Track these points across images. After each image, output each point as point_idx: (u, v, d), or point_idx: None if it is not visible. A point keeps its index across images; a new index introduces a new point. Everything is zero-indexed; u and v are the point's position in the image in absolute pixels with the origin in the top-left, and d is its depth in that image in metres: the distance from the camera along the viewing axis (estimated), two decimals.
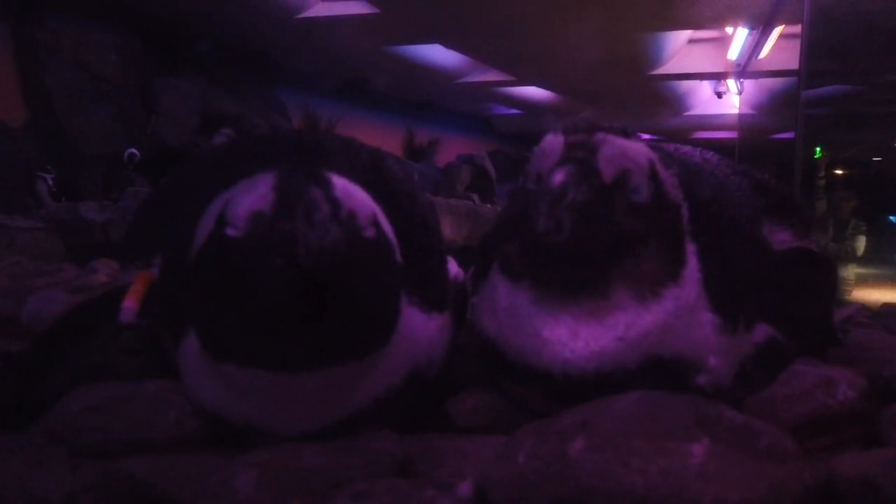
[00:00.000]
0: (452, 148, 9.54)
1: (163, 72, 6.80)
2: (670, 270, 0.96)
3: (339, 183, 0.82)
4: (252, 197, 0.78)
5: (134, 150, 5.89)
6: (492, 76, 9.14)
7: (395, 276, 0.89)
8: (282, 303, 0.76)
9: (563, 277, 0.94)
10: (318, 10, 6.87)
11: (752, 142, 9.83)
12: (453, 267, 1.29)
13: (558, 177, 0.89)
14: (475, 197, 7.72)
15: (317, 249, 0.72)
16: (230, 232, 0.78)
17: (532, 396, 1.03)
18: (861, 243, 7.67)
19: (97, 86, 6.14)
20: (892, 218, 9.34)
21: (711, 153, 1.33)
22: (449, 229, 7.11)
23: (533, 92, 10.16)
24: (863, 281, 7.41)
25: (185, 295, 0.88)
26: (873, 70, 6.91)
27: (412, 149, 9.18)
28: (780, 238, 1.25)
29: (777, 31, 7.26)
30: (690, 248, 1.00)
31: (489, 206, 7.20)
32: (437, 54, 8.33)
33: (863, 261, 7.60)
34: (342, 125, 8.13)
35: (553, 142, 0.96)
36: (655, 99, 10.14)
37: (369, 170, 1.03)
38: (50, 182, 5.57)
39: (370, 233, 0.83)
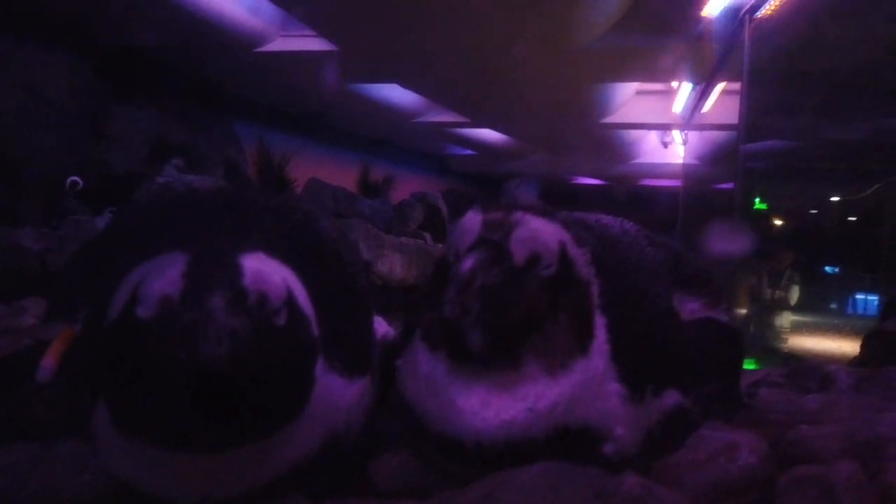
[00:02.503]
0: (407, 185, 9.61)
1: (114, 98, 6.70)
2: (579, 344, 1.02)
3: (251, 266, 0.85)
4: (162, 281, 0.81)
5: (76, 179, 5.75)
6: (448, 117, 9.29)
7: (308, 353, 0.92)
8: (184, 390, 0.78)
9: (476, 351, 0.99)
10: (278, 45, 6.90)
11: (695, 190, 10.20)
12: (382, 326, 1.32)
13: (467, 263, 0.94)
14: (427, 236, 7.77)
15: (217, 343, 0.75)
16: (140, 312, 0.80)
17: (449, 462, 1.06)
18: (795, 293, 8.00)
19: (44, 109, 6.00)
20: (827, 268, 9.75)
21: (631, 224, 1.41)
22: (399, 268, 7.12)
23: (488, 134, 10.36)
24: (799, 329, 7.70)
25: (96, 363, 0.89)
26: (809, 128, 7.27)
27: (367, 185, 9.21)
28: (691, 307, 1.33)
29: (719, 87, 7.61)
30: (600, 322, 1.06)
31: (441, 245, 7.25)
32: (395, 94, 8.44)
33: (800, 309, 7.91)
34: (298, 159, 8.12)
35: (472, 220, 1.02)
36: (605, 146, 10.46)
37: (297, 235, 1.06)
38: None
39: (281, 316, 0.85)
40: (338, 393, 1.00)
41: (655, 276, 1.25)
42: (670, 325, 1.23)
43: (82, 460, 0.97)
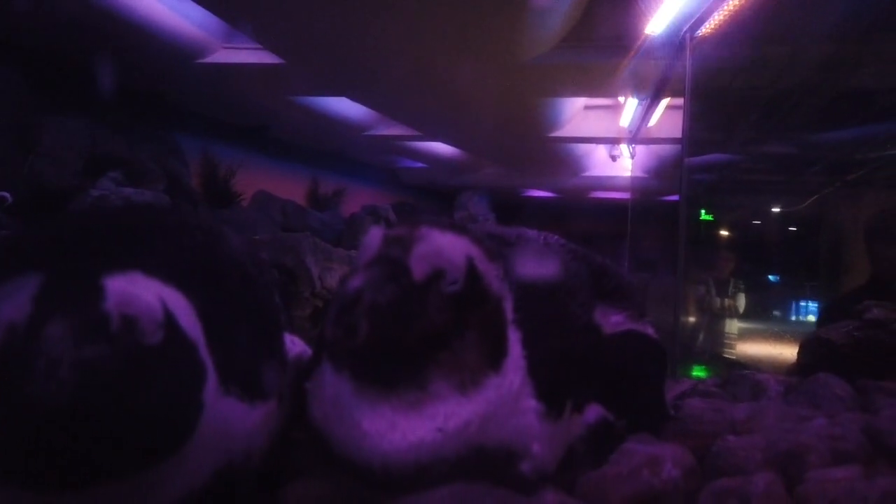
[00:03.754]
0: (358, 198, 9.54)
1: (48, 109, 6.44)
2: (491, 360, 0.99)
3: (118, 288, 0.79)
4: (10, 306, 0.74)
5: (5, 194, 5.50)
6: (398, 130, 9.26)
7: (191, 378, 0.86)
8: (32, 425, 0.72)
9: (379, 370, 0.95)
10: (221, 57, 6.78)
11: (643, 202, 10.41)
12: (298, 345, 1.27)
13: (355, 281, 0.90)
14: None
15: (49, 377, 0.69)
16: None
17: (358, 487, 1.02)
18: (742, 301, 8.21)
19: None
20: (770, 277, 10.04)
21: (556, 238, 1.39)
22: None
23: (438, 147, 10.37)
24: (745, 336, 7.91)
25: None
26: (750, 141, 7.49)
27: (316, 198, 9.11)
28: (614, 321, 1.32)
29: (664, 102, 7.79)
30: (515, 337, 1.04)
31: None
32: (344, 106, 8.37)
33: (745, 317, 8.12)
34: (244, 172, 7.97)
35: (373, 237, 0.98)
36: (555, 159, 10.58)
37: (193, 254, 1.00)
38: None
39: (153, 340, 0.80)
40: (235, 420, 0.94)
41: (576, 289, 1.24)
42: (591, 338, 1.21)
43: None
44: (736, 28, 4.88)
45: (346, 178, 10.20)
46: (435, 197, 12.42)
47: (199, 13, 6.07)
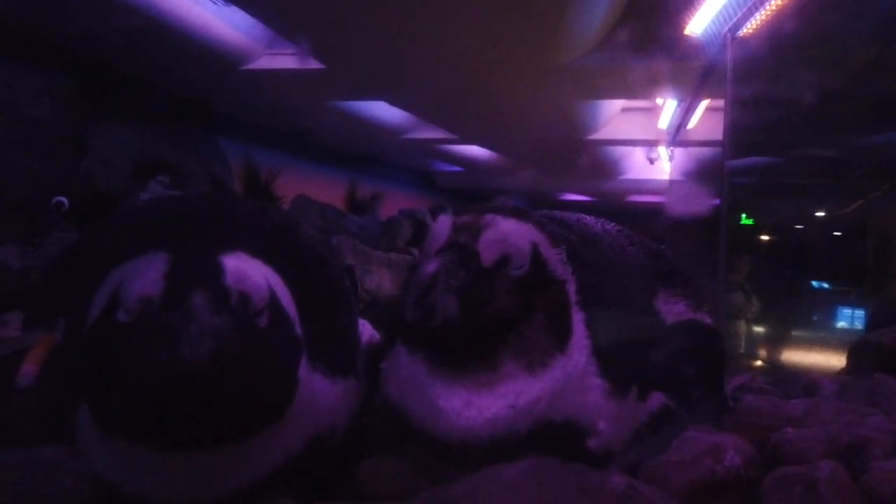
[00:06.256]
0: (395, 202, 9.58)
1: (98, 116, 6.65)
2: (557, 341, 1.02)
3: (233, 266, 0.85)
4: (143, 282, 0.81)
5: (62, 199, 5.69)
6: (435, 134, 9.30)
7: (291, 353, 0.92)
8: (165, 390, 0.78)
9: (452, 352, 0.99)
10: (263, 63, 6.92)
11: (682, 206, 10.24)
12: (367, 329, 1.32)
13: (430, 267, 0.95)
14: (416, 252, 7.76)
15: (199, 342, 0.75)
16: (121, 316, 0.80)
17: (434, 462, 1.06)
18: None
19: (27, 129, 5.95)
20: (814, 283, 9.78)
21: (612, 224, 1.42)
22: (388, 283, 7.10)
23: (475, 151, 10.39)
24: (789, 342, 7.71)
25: (78, 366, 0.89)
26: (792, 144, 7.34)
27: (354, 202, 9.18)
28: (676, 310, 1.34)
29: (703, 104, 7.69)
30: (578, 318, 1.07)
31: None
32: (382, 110, 8.47)
33: (787, 323, 7.94)
34: (284, 176, 8.10)
35: (443, 223, 1.03)
36: (592, 163, 10.51)
37: (279, 238, 1.06)
38: None
39: (263, 315, 0.85)
40: (322, 394, 0.99)
41: (636, 274, 1.26)
42: (651, 321, 1.24)
43: (65, 464, 0.96)
44: (778, 28, 4.81)
45: (383, 182, 10.26)
46: (471, 201, 12.44)
47: (244, 20, 6.22)
